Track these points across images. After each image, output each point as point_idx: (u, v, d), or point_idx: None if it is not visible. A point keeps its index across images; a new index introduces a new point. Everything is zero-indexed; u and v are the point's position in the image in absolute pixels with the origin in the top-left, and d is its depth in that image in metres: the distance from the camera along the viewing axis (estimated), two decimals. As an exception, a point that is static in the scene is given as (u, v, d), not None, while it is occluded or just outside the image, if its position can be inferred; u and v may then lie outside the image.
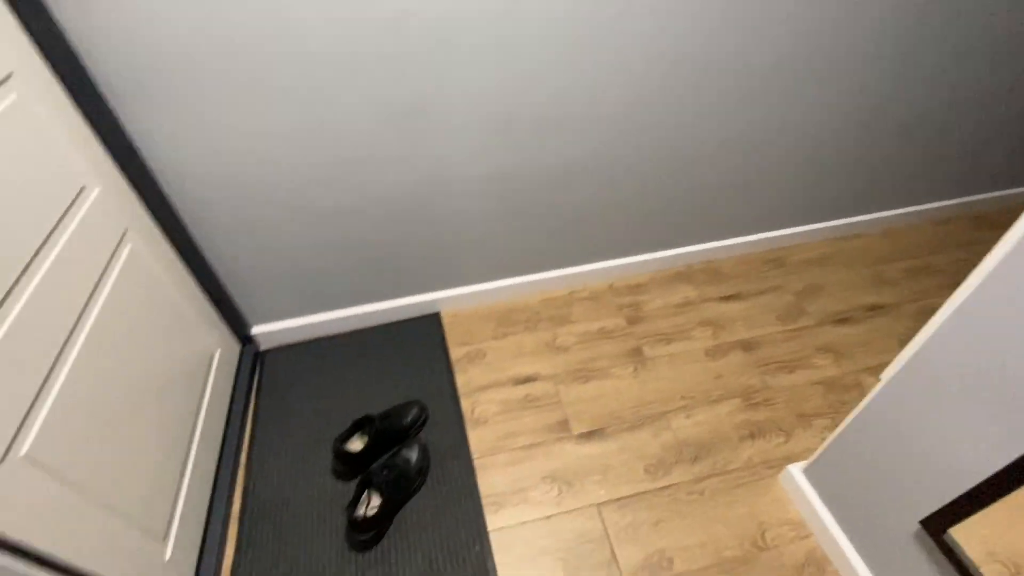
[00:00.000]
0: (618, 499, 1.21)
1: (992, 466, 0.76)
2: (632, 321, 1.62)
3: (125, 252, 1.03)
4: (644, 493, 1.22)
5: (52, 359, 0.80)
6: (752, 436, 1.32)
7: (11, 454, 0.70)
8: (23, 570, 0.59)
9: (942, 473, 0.83)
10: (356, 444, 1.26)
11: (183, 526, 1.06)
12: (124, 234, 1.04)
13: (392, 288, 1.56)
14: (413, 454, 1.24)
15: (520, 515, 1.18)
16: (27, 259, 0.78)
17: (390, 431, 1.26)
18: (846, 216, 1.89)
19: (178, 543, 1.03)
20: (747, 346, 1.54)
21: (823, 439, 1.32)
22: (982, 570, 0.80)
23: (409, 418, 1.31)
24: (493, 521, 1.17)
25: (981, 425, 0.76)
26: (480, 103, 1.18)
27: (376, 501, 1.15)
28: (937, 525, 0.85)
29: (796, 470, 1.19)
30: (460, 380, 1.46)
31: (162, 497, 1.01)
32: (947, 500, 0.84)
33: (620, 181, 1.48)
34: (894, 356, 1.51)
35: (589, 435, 1.33)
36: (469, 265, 1.57)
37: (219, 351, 1.37)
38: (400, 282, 1.55)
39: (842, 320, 1.61)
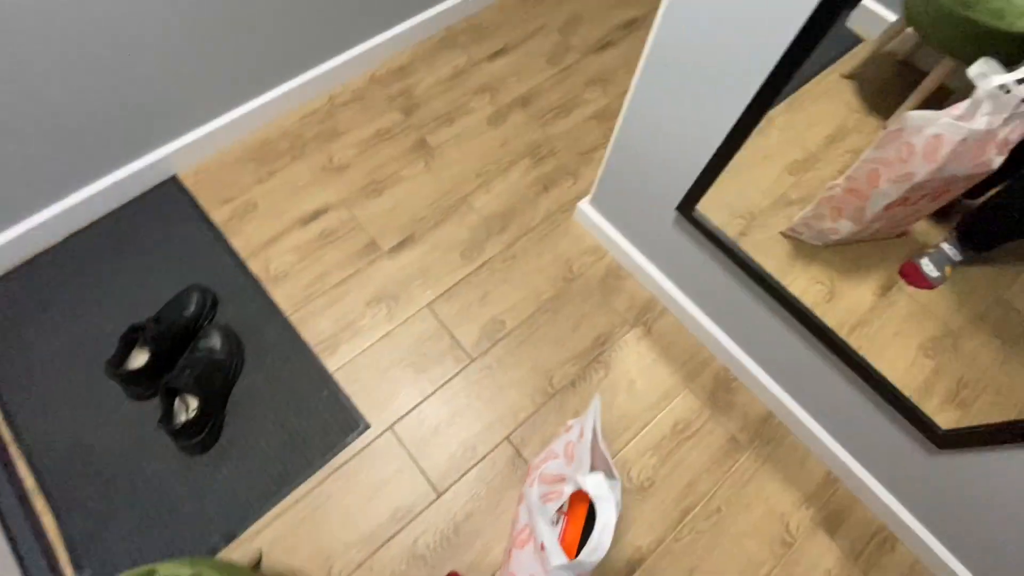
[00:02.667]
0: (444, 292, 1.24)
1: (714, 143, 0.85)
2: (407, 111, 1.45)
3: None
4: (465, 277, 1.26)
5: None
6: (546, 188, 1.38)
7: None
8: None
9: (683, 161, 0.94)
10: (139, 359, 1.07)
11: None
12: None
13: (96, 163, 1.16)
14: (214, 340, 1.09)
15: (357, 346, 1.17)
16: None
17: (174, 329, 1.08)
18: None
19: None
20: (524, 102, 1.49)
21: (604, 168, 1.43)
22: (726, 229, 0.98)
23: (192, 308, 1.12)
24: (332, 363, 1.15)
25: (688, 111, 0.83)
26: None
27: (194, 403, 1.04)
28: (687, 207, 0.99)
29: (584, 204, 1.29)
30: (237, 243, 1.25)
31: None
32: (691, 182, 0.97)
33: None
34: (649, 69, 1.59)
35: (400, 246, 1.28)
36: (187, 100, 1.20)
37: None
38: (104, 151, 1.15)
39: (604, 46, 1.61)
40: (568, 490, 0.66)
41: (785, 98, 0.89)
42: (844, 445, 1.07)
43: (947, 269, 0.91)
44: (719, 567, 1.03)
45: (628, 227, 1.21)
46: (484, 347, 1.19)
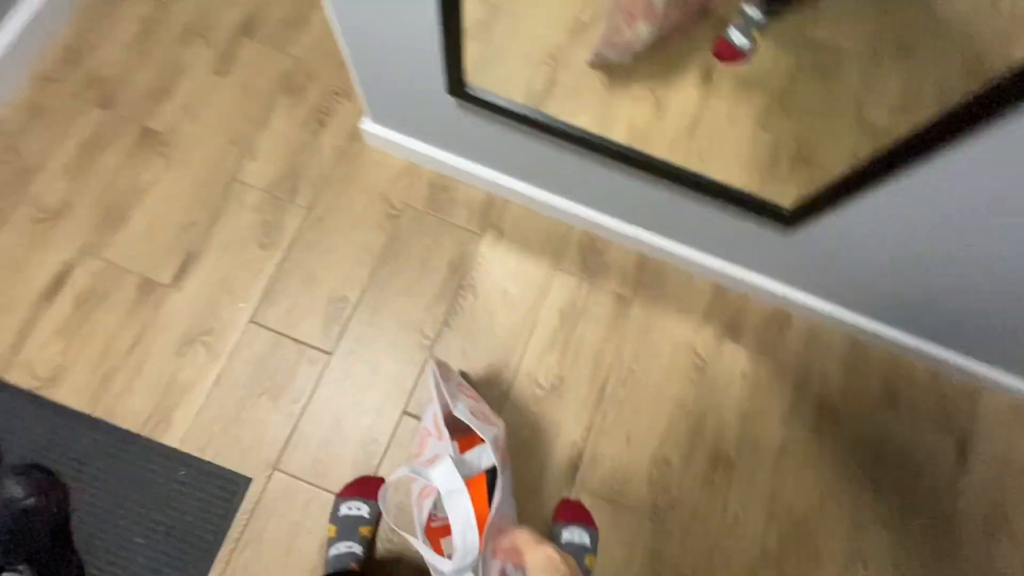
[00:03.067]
0: (261, 296, 1.03)
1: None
2: (106, 102, 1.10)
3: None
4: (277, 267, 1.05)
5: None
6: (321, 123, 1.14)
7: None
8: None
9: (418, 34, 0.74)
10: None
11: None
12: None
13: None
14: (10, 489, 0.86)
15: (192, 404, 0.97)
16: None
17: (-54, 505, 0.84)
18: None
19: None
20: (247, 29, 1.17)
21: (376, 71, 1.18)
22: (533, 82, 0.84)
23: (-45, 467, 0.87)
24: (172, 437, 0.95)
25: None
26: None
27: (23, 568, 0.84)
28: (456, 86, 0.82)
29: (369, 124, 1.07)
30: (-22, 362, 0.96)
31: None
32: (440, 58, 0.78)
33: None
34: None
35: (182, 270, 1.03)
36: None
37: None
38: None
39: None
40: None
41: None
42: (716, 254, 1.04)
43: (755, 34, 0.85)
44: (651, 421, 1.03)
45: (423, 131, 1.03)
46: (336, 333, 1.03)
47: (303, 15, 1.19)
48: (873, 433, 1.06)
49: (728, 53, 0.88)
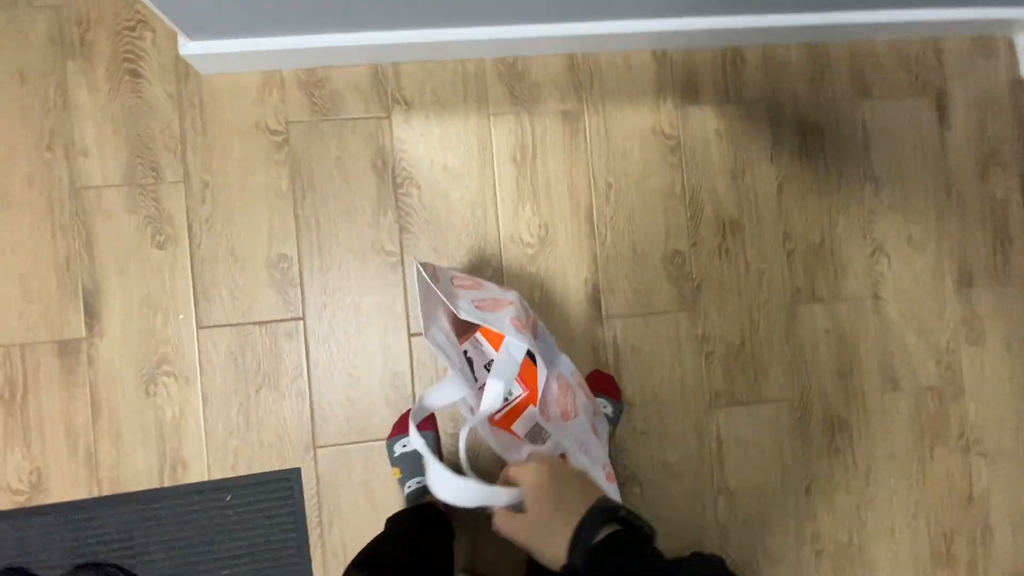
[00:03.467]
0: (194, 299, 0.89)
1: None
2: None
3: None
4: (193, 260, 0.89)
5: None
6: (134, 74, 0.89)
7: None
8: None
9: None
10: None
11: None
12: None
13: None
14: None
15: (195, 435, 0.87)
16: None
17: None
18: None
19: None
20: (-39, -6, 0.86)
21: (158, -23, 0.90)
22: None
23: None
24: (195, 474, 0.87)
25: None
26: None
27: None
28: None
29: (189, 47, 0.84)
30: (-57, 510, 0.84)
31: None
32: None
33: None
34: None
35: (91, 313, 0.87)
36: None
37: None
38: None
39: None
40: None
41: None
42: (645, 15, 0.90)
43: None
44: (648, 222, 0.97)
45: (256, 21, 0.80)
46: (296, 296, 0.91)
47: (21, -57, 0.87)
48: (857, 128, 1.02)
49: None
